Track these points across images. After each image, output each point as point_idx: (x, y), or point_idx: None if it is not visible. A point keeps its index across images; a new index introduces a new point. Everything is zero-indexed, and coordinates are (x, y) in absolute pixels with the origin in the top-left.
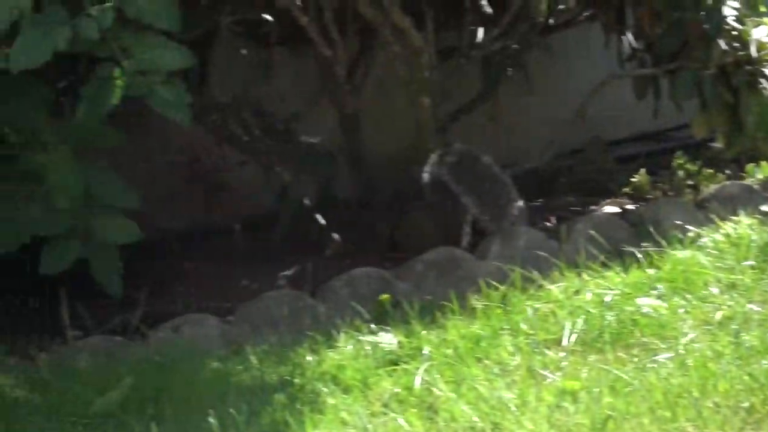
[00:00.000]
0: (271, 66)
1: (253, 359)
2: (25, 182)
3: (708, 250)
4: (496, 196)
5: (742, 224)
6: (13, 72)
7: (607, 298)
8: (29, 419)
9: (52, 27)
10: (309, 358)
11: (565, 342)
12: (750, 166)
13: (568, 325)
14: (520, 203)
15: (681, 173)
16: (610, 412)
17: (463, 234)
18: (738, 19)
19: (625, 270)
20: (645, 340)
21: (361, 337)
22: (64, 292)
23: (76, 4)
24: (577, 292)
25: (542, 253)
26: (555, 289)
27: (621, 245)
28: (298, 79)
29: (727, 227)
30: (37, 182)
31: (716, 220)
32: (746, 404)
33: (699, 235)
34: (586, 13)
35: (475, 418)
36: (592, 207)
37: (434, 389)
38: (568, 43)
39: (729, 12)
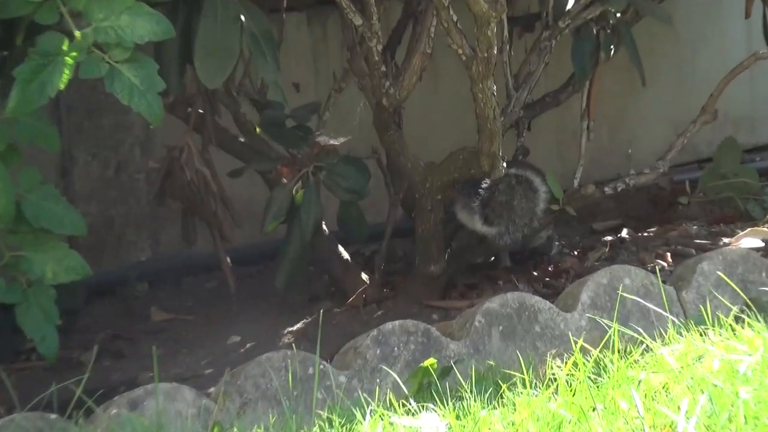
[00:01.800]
0: (281, 41)
1: None
2: None
3: None
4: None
5: None
6: None
7: (742, 367)
8: None
9: None
10: None
11: (680, 428)
12: None
13: (685, 404)
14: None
15: None
16: None
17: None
18: None
19: None
20: None
21: (395, 419)
22: None
23: None
24: (699, 359)
25: (652, 303)
26: (669, 353)
27: (763, 293)
28: (317, 59)
29: None
30: None
31: None
32: None
33: None
34: None
35: None
36: (725, 239)
37: None
38: (692, 12)
39: None
